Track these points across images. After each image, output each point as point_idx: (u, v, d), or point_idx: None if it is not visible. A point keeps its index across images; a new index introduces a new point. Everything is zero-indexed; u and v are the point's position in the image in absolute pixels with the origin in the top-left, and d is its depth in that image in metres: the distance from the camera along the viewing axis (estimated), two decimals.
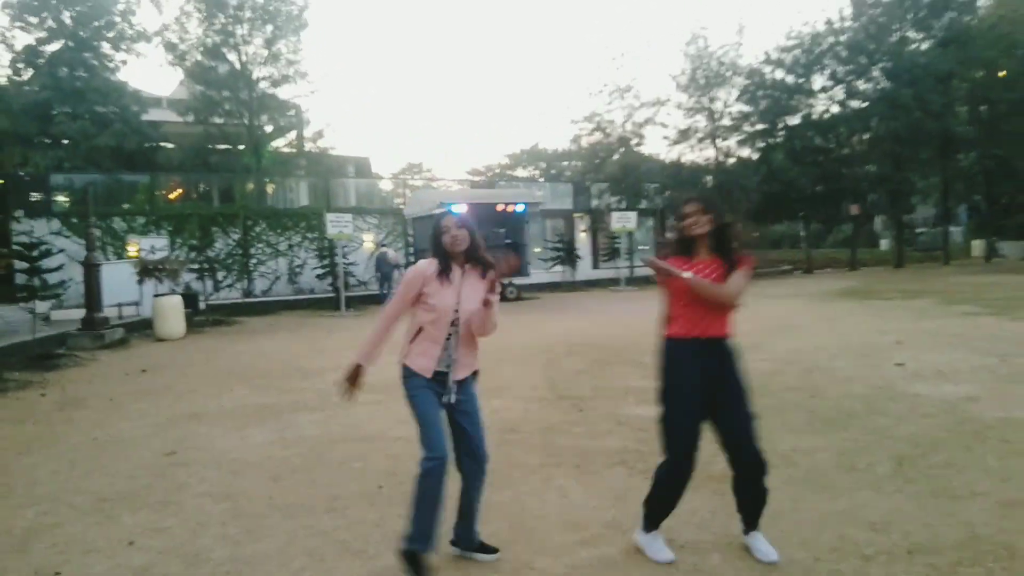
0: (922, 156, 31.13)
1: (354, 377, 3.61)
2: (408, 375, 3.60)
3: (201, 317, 18.08)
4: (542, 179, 51.54)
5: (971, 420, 6.02)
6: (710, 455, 5.28)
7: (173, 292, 16.29)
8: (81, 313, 14.32)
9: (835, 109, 32.72)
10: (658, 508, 3.75)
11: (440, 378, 3.57)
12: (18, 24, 26.65)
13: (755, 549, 3.71)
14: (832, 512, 4.19)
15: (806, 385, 7.69)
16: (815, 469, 4.96)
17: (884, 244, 45.18)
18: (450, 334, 3.58)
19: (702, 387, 3.58)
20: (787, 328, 12.41)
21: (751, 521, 3.76)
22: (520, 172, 56.23)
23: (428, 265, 3.60)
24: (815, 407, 6.70)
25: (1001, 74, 30.30)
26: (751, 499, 3.70)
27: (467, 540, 3.77)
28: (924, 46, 30.90)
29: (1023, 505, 4.18)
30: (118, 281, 16.61)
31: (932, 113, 28.44)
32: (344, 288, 20.58)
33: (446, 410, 3.61)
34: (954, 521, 3.98)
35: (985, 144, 30.33)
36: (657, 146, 51.89)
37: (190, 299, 17.89)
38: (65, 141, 26.09)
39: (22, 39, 27.27)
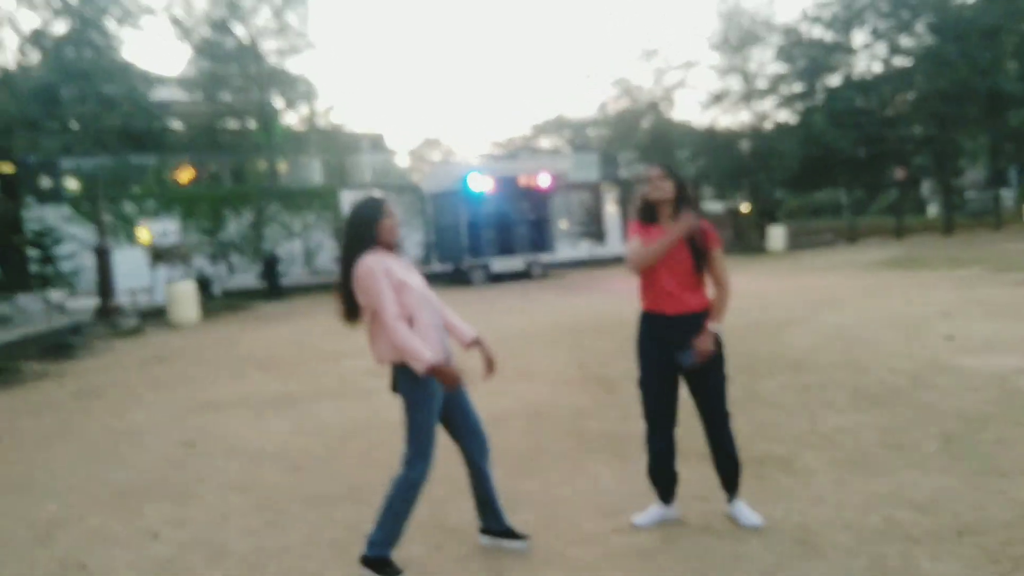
0: (970, 115, 30.11)
1: (445, 372, 3.28)
2: (414, 376, 3.30)
3: (215, 303, 18.04)
4: (567, 149, 50.95)
5: (1022, 394, 5.79)
6: (749, 435, 5.13)
7: (186, 277, 16.29)
8: (95, 300, 14.39)
9: (877, 68, 31.73)
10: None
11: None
12: (23, 5, 26.68)
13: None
14: (877, 493, 4.04)
15: (850, 361, 7.47)
16: (859, 448, 4.79)
17: (931, 210, 43.94)
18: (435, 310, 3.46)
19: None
20: (830, 301, 12.06)
21: None
22: (544, 142, 55.58)
23: (377, 258, 3.30)
24: (859, 383, 6.49)
25: None
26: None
27: (497, 524, 3.67)
28: None
29: None
30: (131, 267, 16.74)
31: (980, 70, 27.40)
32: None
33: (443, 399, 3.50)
34: (1005, 500, 3.84)
35: None
36: (689, 111, 50.94)
37: (204, 284, 17.89)
38: (73, 124, 26.19)
39: (28, 22, 27.33)
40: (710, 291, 3.79)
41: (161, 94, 29.49)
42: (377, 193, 3.64)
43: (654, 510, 3.90)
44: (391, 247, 3.40)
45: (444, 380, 3.28)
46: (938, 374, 6.60)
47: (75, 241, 18.28)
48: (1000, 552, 3.29)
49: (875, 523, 3.67)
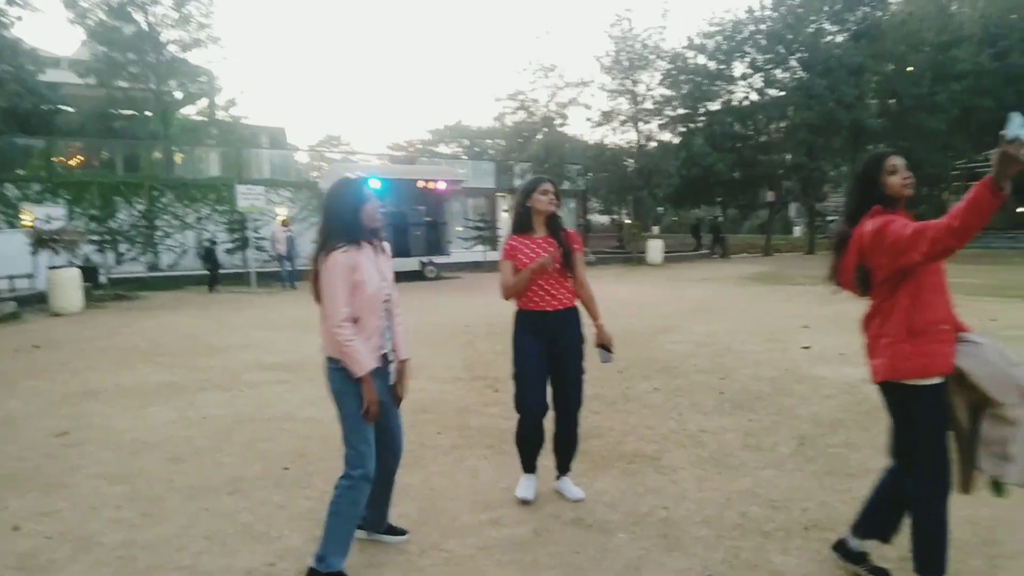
0: (834, 145, 32.27)
1: (368, 391, 3.22)
2: (343, 368, 3.22)
3: (101, 291, 17.35)
4: (465, 156, 51.17)
5: (868, 401, 6.23)
6: (621, 434, 5.40)
7: (71, 264, 15.53)
8: None
9: (754, 96, 33.62)
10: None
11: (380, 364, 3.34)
12: None
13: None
14: (736, 491, 4.30)
15: (718, 367, 7.88)
16: (722, 449, 5.08)
17: (797, 231, 46.69)
18: (384, 315, 3.34)
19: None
20: (703, 311, 12.72)
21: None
22: (442, 148, 55.61)
23: (347, 256, 3.18)
24: (725, 388, 6.87)
25: (909, 69, 31.52)
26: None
27: (376, 524, 3.70)
28: (839, 39, 31.90)
29: None
30: (10, 252, 15.89)
31: (844, 104, 29.44)
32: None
33: None
34: (848, 497, 4.12)
35: (893, 136, 31.56)
36: (580, 127, 52.31)
37: (89, 272, 17.15)
38: None
39: None
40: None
41: (52, 76, 27.82)
42: (353, 174, 3.58)
43: (529, 482, 4.24)
44: (372, 232, 3.33)
45: (365, 397, 3.19)
46: (796, 381, 7.06)
47: None
48: None
49: (733, 519, 3.90)
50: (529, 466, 4.26)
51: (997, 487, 2.95)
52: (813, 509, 4.00)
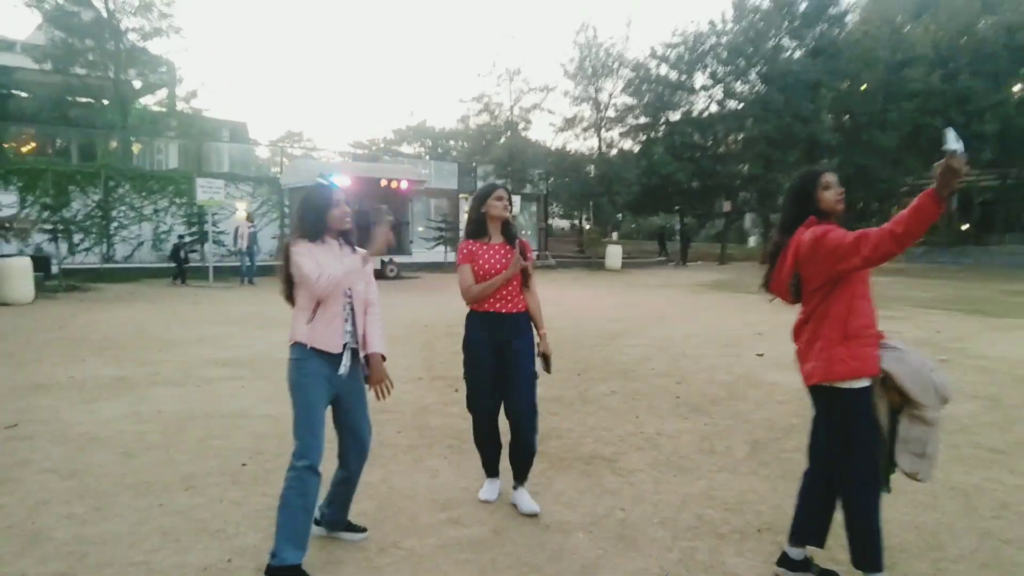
0: (790, 159, 32.95)
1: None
2: (302, 358, 3.31)
3: (53, 282, 16.88)
4: (428, 157, 51.06)
5: None
6: (580, 435, 5.45)
7: (21, 253, 15.15)
8: None
9: (714, 108, 34.17)
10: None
11: (339, 356, 3.37)
12: None
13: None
14: (691, 493, 4.37)
15: (674, 372, 8.00)
16: (678, 452, 5.16)
17: (752, 241, 47.49)
18: (346, 305, 3.40)
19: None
20: (660, 317, 12.89)
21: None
22: (406, 148, 55.45)
23: (305, 243, 3.34)
24: (681, 393, 6.98)
25: (863, 87, 32.33)
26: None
27: (336, 523, 3.68)
28: (797, 54, 32.60)
29: None
30: None
31: (801, 118, 30.13)
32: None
33: (333, 392, 3.42)
34: None
35: (846, 151, 32.34)
36: (543, 132, 52.68)
37: (41, 262, 16.68)
38: None
39: None
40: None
41: (6, 59, 27.05)
42: (324, 180, 3.63)
43: (491, 485, 4.27)
44: (340, 234, 3.45)
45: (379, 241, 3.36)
46: (750, 387, 7.21)
47: None
48: None
49: (688, 520, 3.96)
50: (491, 470, 4.28)
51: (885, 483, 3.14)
52: (767, 512, 4.08)
